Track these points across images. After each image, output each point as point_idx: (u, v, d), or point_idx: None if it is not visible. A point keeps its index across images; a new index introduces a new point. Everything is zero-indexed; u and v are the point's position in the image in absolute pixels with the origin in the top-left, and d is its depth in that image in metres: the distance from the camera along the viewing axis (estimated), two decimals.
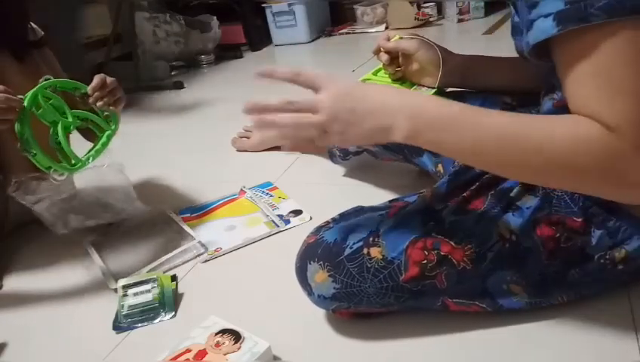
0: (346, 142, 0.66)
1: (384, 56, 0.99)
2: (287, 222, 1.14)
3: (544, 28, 0.55)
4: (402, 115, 0.61)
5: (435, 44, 0.96)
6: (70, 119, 0.98)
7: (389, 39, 0.99)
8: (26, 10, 1.11)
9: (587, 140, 0.54)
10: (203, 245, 1.08)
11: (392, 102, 0.62)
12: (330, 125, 0.64)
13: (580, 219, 0.70)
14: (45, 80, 0.94)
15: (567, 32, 0.54)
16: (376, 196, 1.18)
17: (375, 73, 1.04)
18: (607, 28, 0.52)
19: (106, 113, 1.04)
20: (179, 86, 2.51)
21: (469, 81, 0.98)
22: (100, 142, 1.04)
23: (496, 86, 0.95)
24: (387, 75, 1.02)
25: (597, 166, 0.54)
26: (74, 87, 1.02)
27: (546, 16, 0.55)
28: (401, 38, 0.98)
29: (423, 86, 0.99)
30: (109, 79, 1.03)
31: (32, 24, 1.15)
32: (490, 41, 2.44)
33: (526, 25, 0.58)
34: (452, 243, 0.71)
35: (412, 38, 0.97)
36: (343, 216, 0.82)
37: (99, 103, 1.02)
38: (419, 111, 0.61)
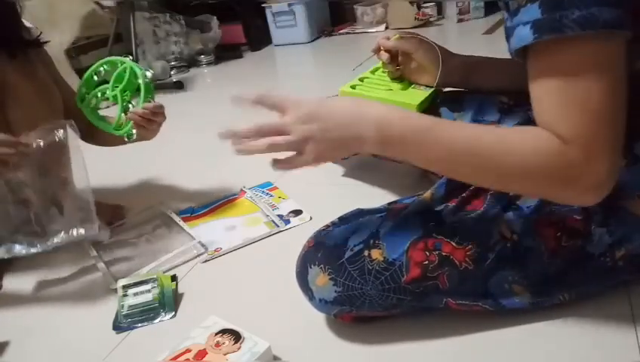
0: (322, 158, 0.67)
1: (384, 55, 0.99)
2: (287, 222, 1.14)
3: (523, 35, 0.56)
4: (371, 125, 0.63)
5: (435, 44, 0.96)
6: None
7: (389, 39, 0.99)
8: (16, 9, 1.11)
9: (547, 153, 0.57)
10: (203, 245, 1.08)
11: (360, 113, 0.64)
12: (303, 145, 0.65)
13: (579, 218, 0.70)
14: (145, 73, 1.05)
15: (543, 42, 0.56)
16: (376, 196, 1.18)
17: (373, 72, 1.04)
18: (578, 41, 0.54)
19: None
20: (179, 86, 2.51)
21: (467, 82, 0.99)
22: (101, 125, 1.13)
23: (495, 87, 0.96)
24: (385, 74, 1.02)
25: (555, 175, 0.58)
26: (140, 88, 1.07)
27: (525, 24, 0.56)
28: (401, 37, 0.98)
29: (421, 85, 0.98)
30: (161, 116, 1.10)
31: (28, 24, 1.15)
32: (490, 41, 2.44)
33: (510, 30, 0.59)
34: (453, 243, 0.71)
35: (412, 37, 0.97)
36: (343, 219, 0.82)
37: (137, 121, 1.05)
38: (387, 123, 0.63)
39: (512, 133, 0.62)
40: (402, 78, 1.01)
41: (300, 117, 0.66)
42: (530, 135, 0.59)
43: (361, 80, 1.01)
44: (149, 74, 1.06)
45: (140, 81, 1.06)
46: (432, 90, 0.98)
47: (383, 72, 1.02)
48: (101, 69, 1.11)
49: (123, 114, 1.08)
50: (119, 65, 1.09)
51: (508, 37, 0.60)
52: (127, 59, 1.10)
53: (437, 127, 0.62)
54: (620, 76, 0.56)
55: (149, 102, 1.06)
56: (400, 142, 0.63)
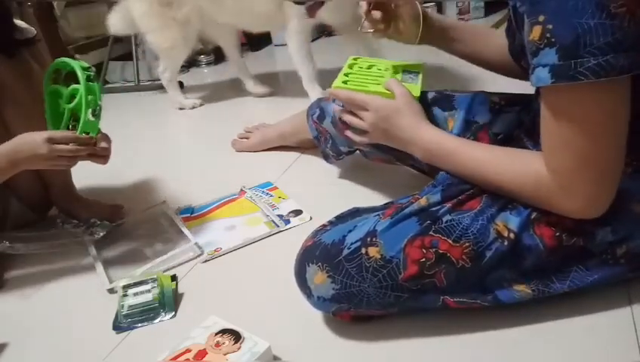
0: (382, 142, 0.91)
1: (364, 6, 0.97)
2: (287, 222, 1.14)
3: (542, 77, 0.61)
4: (416, 146, 0.84)
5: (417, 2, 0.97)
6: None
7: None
8: (8, 9, 1.10)
9: (536, 177, 0.68)
10: (199, 247, 1.08)
11: (409, 135, 0.85)
12: (370, 132, 0.91)
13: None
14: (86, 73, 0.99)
15: (558, 86, 0.61)
16: (376, 195, 1.18)
17: (351, 66, 1.04)
18: (590, 88, 0.59)
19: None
20: (179, 86, 2.50)
21: (446, 46, 1.02)
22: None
23: (472, 53, 1.00)
24: (365, 68, 1.02)
25: (540, 199, 0.69)
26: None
27: (544, 66, 0.61)
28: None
29: (406, 81, 0.98)
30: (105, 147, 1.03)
31: (22, 23, 1.15)
32: None
33: (531, 66, 0.64)
34: (450, 241, 0.71)
35: None
36: (340, 218, 0.83)
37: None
38: (430, 148, 0.82)
39: (510, 161, 0.72)
40: (386, 69, 1.01)
41: (377, 117, 0.88)
42: (525, 166, 0.70)
43: (347, 75, 1.01)
44: (91, 72, 0.98)
45: (80, 82, 0.97)
46: (421, 80, 0.99)
47: (358, 70, 1.03)
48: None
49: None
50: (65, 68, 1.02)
51: (513, 35, 0.64)
52: (73, 61, 1.01)
53: (457, 151, 0.78)
54: (621, 113, 0.62)
55: (93, 113, 0.98)
56: (434, 161, 0.82)
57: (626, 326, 0.72)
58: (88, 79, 0.98)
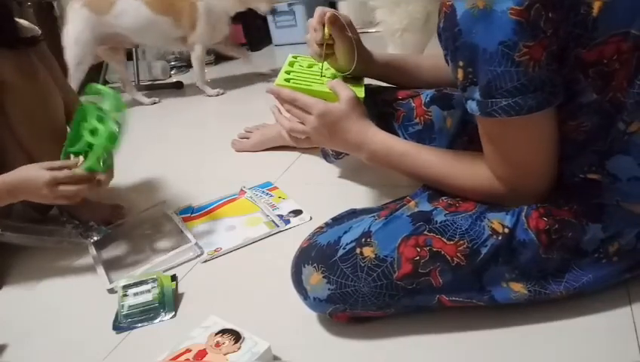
0: (322, 145, 0.97)
1: (315, 49, 1.00)
2: (287, 222, 1.14)
3: (473, 108, 0.69)
4: (363, 149, 0.88)
5: (359, 46, 0.98)
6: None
7: (323, 24, 0.97)
8: (8, 6, 1.10)
9: (486, 183, 0.75)
10: (200, 247, 1.08)
11: (358, 139, 0.87)
12: (312, 136, 0.91)
13: (566, 208, 0.71)
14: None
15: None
16: (375, 196, 1.18)
17: (292, 65, 1.05)
18: (507, 122, 0.67)
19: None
20: (179, 86, 2.51)
21: (388, 81, 1.09)
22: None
23: (417, 85, 1.06)
24: (304, 66, 1.04)
25: (490, 197, 0.75)
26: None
27: (472, 100, 0.68)
28: (330, 35, 0.97)
29: (350, 83, 0.97)
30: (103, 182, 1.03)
31: (26, 22, 1.15)
32: None
33: (464, 97, 0.71)
34: (444, 239, 0.72)
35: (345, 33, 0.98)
36: (336, 219, 0.83)
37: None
38: (377, 147, 0.86)
39: (460, 165, 0.79)
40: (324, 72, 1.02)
41: (322, 122, 0.88)
42: (476, 170, 0.76)
43: (288, 72, 1.01)
44: (118, 121, 0.95)
45: (103, 130, 0.95)
46: (363, 83, 1.00)
47: (300, 65, 1.04)
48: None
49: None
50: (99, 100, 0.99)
51: (463, 96, 0.70)
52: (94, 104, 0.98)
53: (409, 154, 0.83)
54: (546, 133, 0.69)
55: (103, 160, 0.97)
56: (382, 164, 0.87)
57: (626, 326, 0.72)
58: (114, 123, 0.94)
